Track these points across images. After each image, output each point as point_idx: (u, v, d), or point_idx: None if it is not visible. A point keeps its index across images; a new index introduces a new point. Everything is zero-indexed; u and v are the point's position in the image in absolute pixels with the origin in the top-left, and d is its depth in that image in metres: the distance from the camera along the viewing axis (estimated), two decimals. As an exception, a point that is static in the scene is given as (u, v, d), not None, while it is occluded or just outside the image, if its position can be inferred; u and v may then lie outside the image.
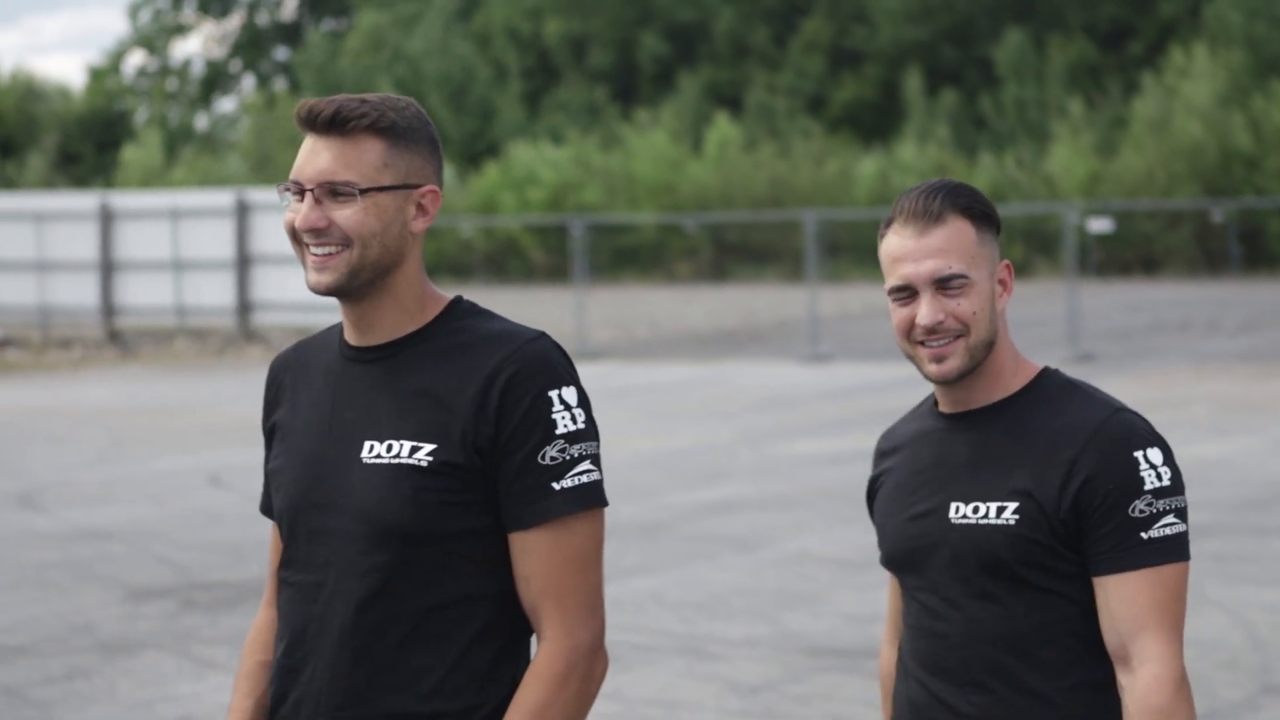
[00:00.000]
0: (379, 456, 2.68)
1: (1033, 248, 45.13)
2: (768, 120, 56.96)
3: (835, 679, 7.66)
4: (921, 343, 2.88)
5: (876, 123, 58.82)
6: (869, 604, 9.03)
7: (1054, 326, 26.24)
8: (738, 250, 49.38)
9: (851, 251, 47.48)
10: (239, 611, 9.13)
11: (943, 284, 2.85)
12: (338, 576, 2.70)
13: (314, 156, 2.68)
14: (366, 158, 2.67)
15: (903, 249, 2.87)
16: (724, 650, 8.21)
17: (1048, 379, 2.95)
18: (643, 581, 9.64)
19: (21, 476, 14.47)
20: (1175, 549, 2.79)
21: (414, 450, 2.66)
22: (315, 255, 2.69)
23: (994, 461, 2.89)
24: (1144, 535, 2.78)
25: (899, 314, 2.89)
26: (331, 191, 2.67)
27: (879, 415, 17.35)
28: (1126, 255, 46.10)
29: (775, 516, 11.80)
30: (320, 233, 2.67)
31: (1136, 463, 2.81)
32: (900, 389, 19.63)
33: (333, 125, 2.67)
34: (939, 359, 2.88)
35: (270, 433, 2.88)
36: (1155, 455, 2.82)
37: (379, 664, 2.69)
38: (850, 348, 25.70)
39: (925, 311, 2.85)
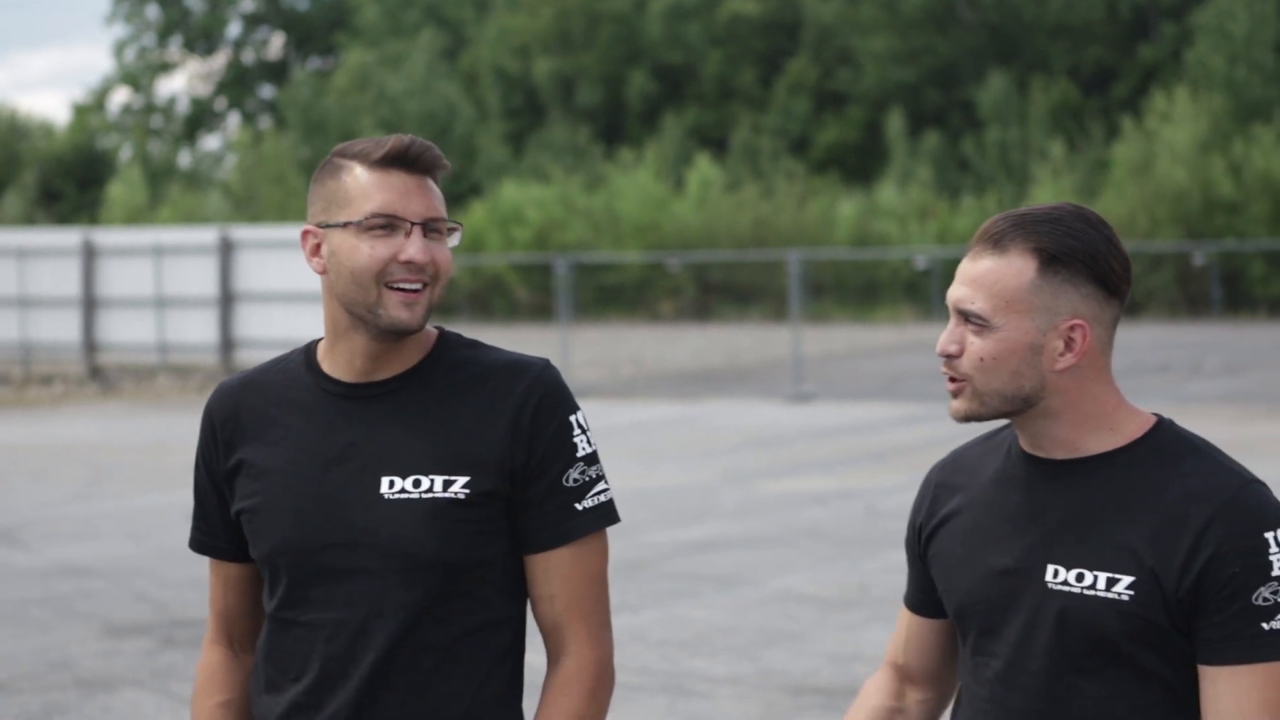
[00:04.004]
0: (404, 492, 2.70)
1: (1015, 289, 45.16)
2: (752, 161, 57.11)
3: (817, 718, 7.64)
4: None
5: (860, 164, 59.00)
6: (851, 643, 9.01)
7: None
8: (721, 290, 49.43)
9: (834, 291, 47.56)
10: (219, 648, 9.10)
11: (965, 317, 2.61)
12: (367, 614, 2.72)
13: (412, 194, 2.71)
14: (440, 197, 2.75)
15: (959, 268, 2.64)
16: (706, 689, 8.19)
17: (1163, 434, 2.62)
18: (625, 619, 9.62)
19: (1, 512, 14.42)
20: None
21: (447, 484, 2.70)
22: (408, 291, 2.70)
23: (1102, 522, 2.57)
24: (1265, 626, 2.50)
25: None
26: (429, 229, 2.72)
27: (862, 455, 17.36)
28: (1108, 297, 46.15)
29: (758, 555, 11.79)
30: (422, 269, 2.70)
31: (1267, 545, 2.50)
32: (884, 428, 19.65)
33: (429, 166, 2.73)
34: (951, 395, 2.64)
35: (232, 471, 2.84)
36: None
37: (409, 694, 2.72)
38: (834, 387, 25.72)
39: (942, 336, 2.62)
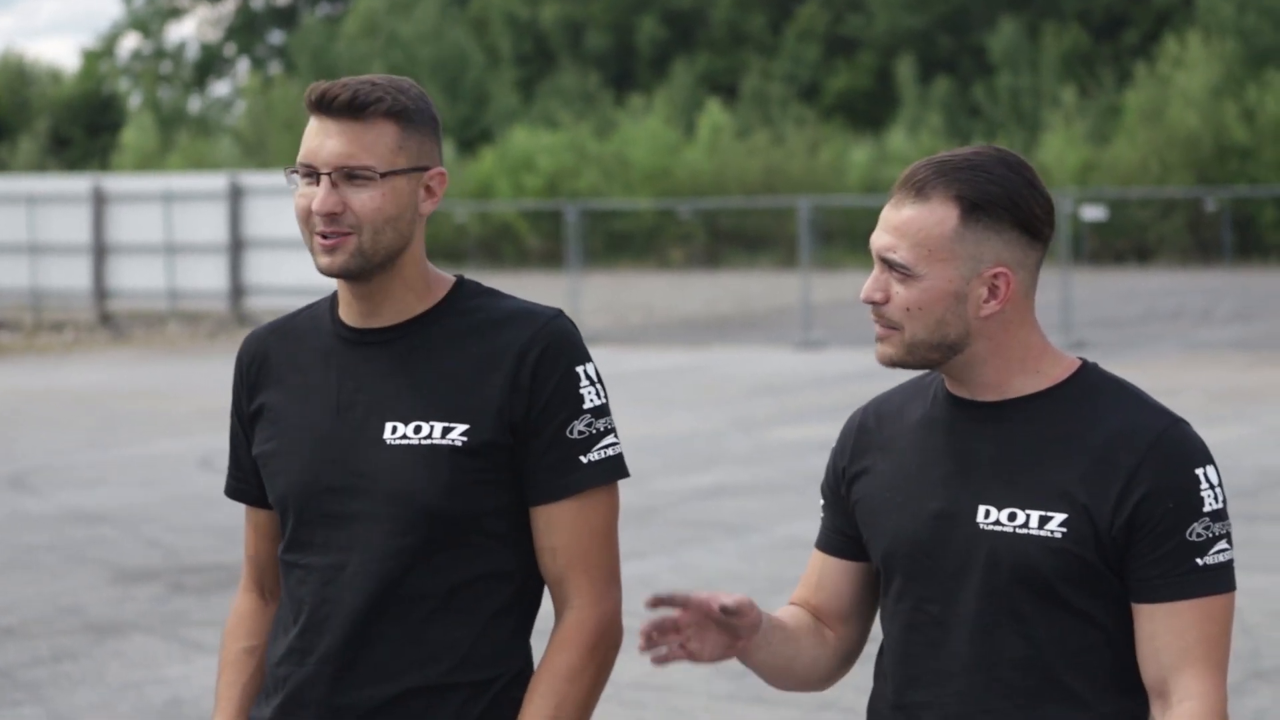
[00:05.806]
0: (405, 438, 2.69)
1: (1026, 236, 45.10)
2: (762, 107, 56.94)
3: (825, 664, 7.66)
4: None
5: (870, 110, 58.81)
6: (859, 590, 9.03)
7: (1046, 314, 26.11)
8: (731, 237, 49.38)
9: (844, 238, 47.46)
10: (228, 594, 9.12)
11: (889, 265, 2.57)
12: (362, 559, 2.70)
13: (327, 140, 2.66)
14: (382, 141, 2.66)
15: (882, 214, 2.61)
16: (714, 635, 8.20)
17: (1088, 375, 2.61)
18: (634, 566, 9.64)
19: (12, 459, 14.46)
20: (1227, 578, 2.57)
21: (446, 431, 2.68)
22: (326, 239, 2.67)
23: (1033, 462, 2.56)
24: (1199, 562, 2.53)
25: None
26: (348, 175, 2.66)
27: (871, 402, 17.38)
28: (1119, 244, 46.12)
29: (767, 502, 11.81)
30: (335, 217, 2.66)
31: (1198, 481, 2.53)
32: (892, 376, 19.62)
33: (349, 109, 2.65)
34: (878, 340, 2.64)
35: (254, 415, 2.84)
36: (1213, 474, 2.55)
37: (401, 642, 2.70)
38: (843, 334, 25.71)
39: (866, 284, 2.60)
